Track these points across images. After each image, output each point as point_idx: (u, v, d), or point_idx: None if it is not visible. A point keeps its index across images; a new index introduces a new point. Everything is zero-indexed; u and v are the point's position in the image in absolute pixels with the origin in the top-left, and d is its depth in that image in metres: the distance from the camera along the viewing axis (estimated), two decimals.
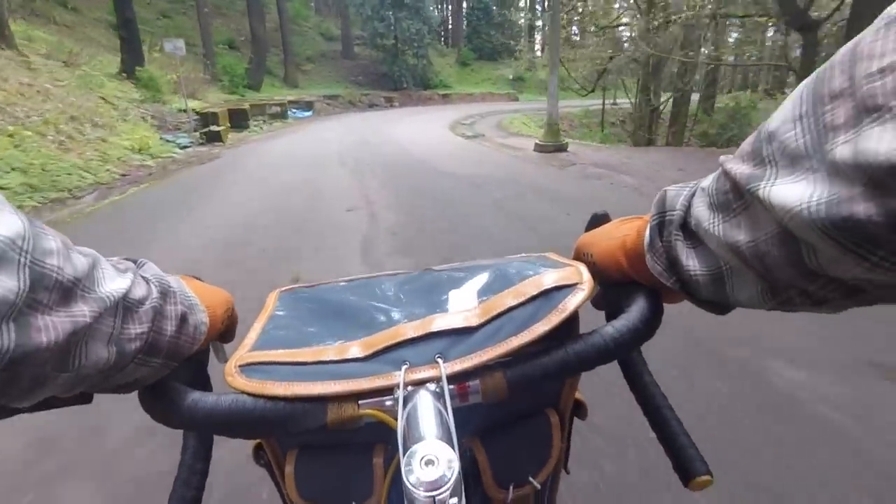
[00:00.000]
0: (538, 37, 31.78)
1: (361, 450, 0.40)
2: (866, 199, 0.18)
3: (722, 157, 0.28)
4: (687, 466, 0.37)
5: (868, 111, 0.18)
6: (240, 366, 0.36)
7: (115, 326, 0.29)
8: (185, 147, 8.84)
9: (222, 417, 0.33)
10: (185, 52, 9.46)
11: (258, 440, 0.42)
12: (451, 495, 0.28)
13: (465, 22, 31.77)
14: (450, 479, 0.28)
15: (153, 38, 14.25)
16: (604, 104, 18.26)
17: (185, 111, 9.88)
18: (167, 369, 0.35)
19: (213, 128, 9.76)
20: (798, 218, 0.21)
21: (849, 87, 0.20)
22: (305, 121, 14.34)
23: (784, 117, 0.23)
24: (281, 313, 0.44)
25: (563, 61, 17.14)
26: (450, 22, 35.13)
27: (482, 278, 0.43)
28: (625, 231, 0.40)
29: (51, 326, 0.24)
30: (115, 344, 0.29)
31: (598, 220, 0.47)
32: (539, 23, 30.12)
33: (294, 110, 15.68)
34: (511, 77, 28.41)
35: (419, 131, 11.55)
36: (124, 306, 0.30)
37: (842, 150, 0.19)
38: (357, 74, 23.82)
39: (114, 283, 0.29)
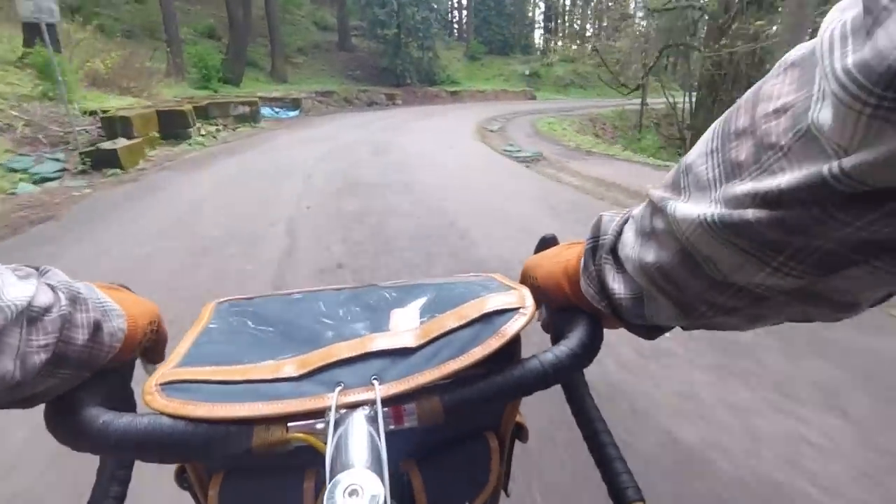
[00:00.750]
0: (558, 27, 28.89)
1: (292, 474, 0.38)
2: (759, 212, 0.20)
3: (649, 185, 0.30)
4: (620, 492, 0.36)
5: (765, 149, 0.20)
6: (161, 384, 0.34)
7: (20, 338, 0.28)
8: (47, 180, 5.06)
9: (136, 440, 0.31)
10: (60, 18, 6.06)
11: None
12: None
13: (474, 12, 28.87)
14: None
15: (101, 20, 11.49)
16: (644, 103, 15.63)
17: (90, 114, 6.68)
18: (78, 380, 0.33)
19: (106, 145, 5.80)
20: (700, 228, 0.23)
21: (750, 126, 0.22)
22: (285, 125, 11.36)
23: (699, 151, 0.25)
24: (214, 326, 0.42)
25: (599, 52, 14.85)
26: (458, 12, 32.30)
27: (425, 298, 0.43)
28: (567, 256, 0.40)
29: None
30: (19, 357, 0.27)
31: (545, 244, 0.47)
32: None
33: (276, 109, 12.87)
34: (527, 72, 25.64)
35: (440, 147, 7.92)
36: (28, 316, 0.28)
37: (742, 187, 0.21)
38: (354, 68, 21.01)
39: (16, 290, 0.28)
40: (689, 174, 0.25)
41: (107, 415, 0.32)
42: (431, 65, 21.79)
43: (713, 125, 0.25)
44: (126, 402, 0.39)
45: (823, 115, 0.18)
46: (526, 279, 0.46)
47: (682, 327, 0.32)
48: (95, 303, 0.34)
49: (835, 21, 0.18)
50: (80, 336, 0.32)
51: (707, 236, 0.23)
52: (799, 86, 0.20)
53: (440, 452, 0.41)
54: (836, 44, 0.17)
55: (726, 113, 0.24)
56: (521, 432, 0.46)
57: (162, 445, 0.31)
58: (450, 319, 0.38)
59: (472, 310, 0.38)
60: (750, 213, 0.21)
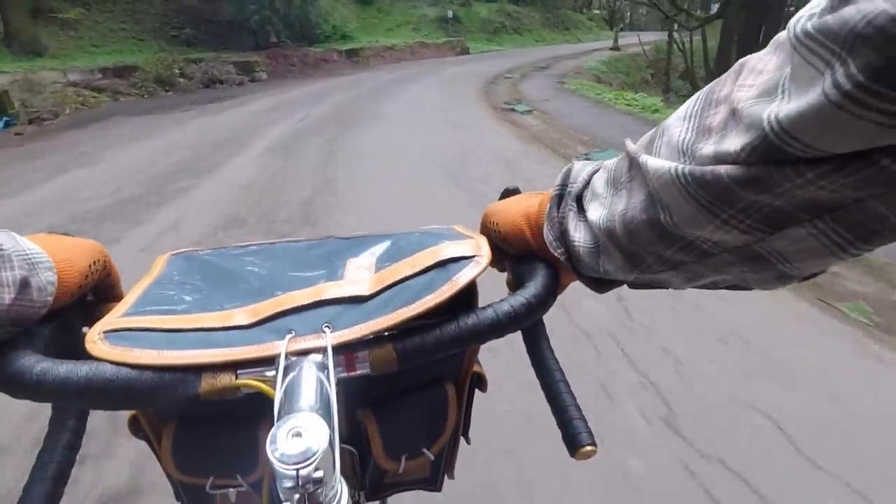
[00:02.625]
0: None
1: (246, 423, 0.38)
2: (728, 167, 0.21)
3: (626, 140, 0.31)
4: (574, 437, 0.36)
5: (731, 114, 0.22)
6: (105, 332, 0.33)
7: None
8: None
9: (77, 388, 0.30)
10: None
11: (134, 412, 0.39)
12: (317, 468, 0.26)
13: None
14: (316, 451, 0.26)
15: None
16: (671, 41, 10.34)
17: None
18: (10, 335, 0.32)
19: None
20: (665, 177, 0.24)
21: (728, 95, 0.23)
22: None
23: (678, 115, 0.26)
24: (165, 277, 0.41)
25: None
26: None
27: (381, 247, 0.43)
28: (530, 202, 0.40)
29: None
30: None
31: (508, 194, 0.47)
32: None
33: None
34: (449, 15, 18.76)
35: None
36: None
37: (708, 147, 0.23)
38: (181, 24, 12.76)
39: None
40: (664, 136, 0.27)
41: (44, 363, 0.31)
42: (308, 14, 13.84)
43: (697, 92, 0.26)
44: (75, 348, 0.35)
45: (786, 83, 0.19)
46: (486, 225, 0.45)
47: (628, 284, 0.33)
48: (20, 257, 0.31)
49: (805, 9, 0.19)
50: (6, 295, 0.30)
51: (671, 186, 0.24)
52: (781, 64, 0.21)
53: (396, 400, 0.42)
54: (802, 17, 0.18)
55: (713, 81, 0.25)
56: (480, 382, 0.47)
57: (104, 392, 0.31)
58: (404, 267, 0.38)
59: (426, 258, 0.38)
60: (720, 169, 0.21)
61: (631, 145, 0.30)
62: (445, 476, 0.53)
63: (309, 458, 0.26)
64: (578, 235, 0.33)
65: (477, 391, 0.48)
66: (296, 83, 10.44)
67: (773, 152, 0.19)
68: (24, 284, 0.31)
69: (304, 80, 11.13)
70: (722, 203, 0.22)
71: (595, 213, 0.32)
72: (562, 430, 0.37)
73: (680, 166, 0.23)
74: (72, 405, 0.35)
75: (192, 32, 12.61)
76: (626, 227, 0.28)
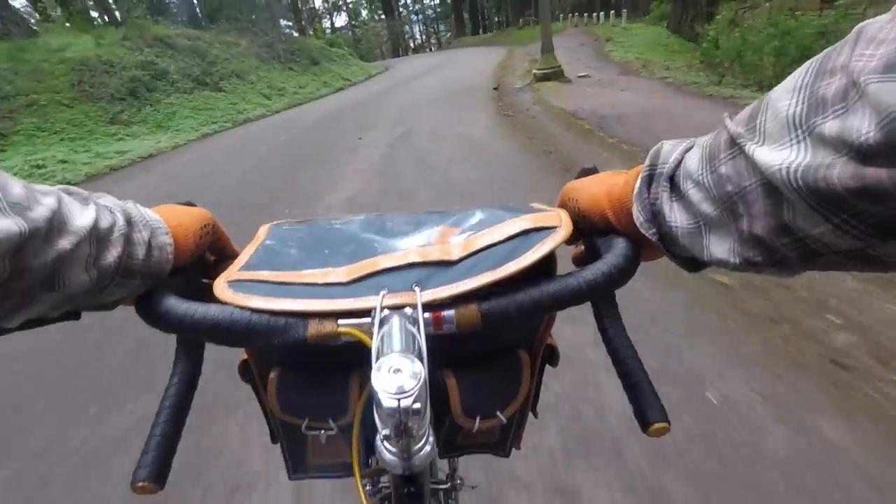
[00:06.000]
0: None
1: (339, 372, 0.43)
2: (843, 167, 0.20)
3: (726, 114, 0.29)
4: (646, 413, 0.36)
5: (853, 86, 0.20)
6: (228, 281, 0.38)
7: (90, 254, 0.31)
8: None
9: (210, 325, 0.35)
10: None
11: (244, 358, 0.45)
12: (415, 401, 0.29)
13: None
14: (415, 386, 0.29)
15: None
16: None
17: None
18: (145, 288, 0.37)
19: None
20: (775, 177, 0.23)
21: (846, 65, 0.21)
22: None
23: (785, 87, 0.24)
24: (270, 243, 0.44)
25: None
26: None
27: (467, 218, 0.45)
28: (613, 181, 0.40)
29: (39, 256, 0.28)
30: (95, 268, 0.32)
31: (586, 173, 0.47)
32: None
33: None
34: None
35: None
36: (97, 236, 0.32)
37: (830, 125, 0.21)
38: None
39: (82, 216, 0.31)
40: (769, 110, 0.25)
41: (185, 304, 0.36)
42: None
43: (807, 63, 0.24)
44: (196, 296, 0.39)
45: None
46: (565, 202, 0.45)
47: (731, 267, 0.30)
48: (144, 222, 0.37)
49: None
50: (139, 252, 0.35)
51: (782, 186, 0.23)
52: None
53: (475, 363, 0.45)
54: None
55: (826, 49, 0.23)
56: (552, 356, 0.49)
57: (230, 330, 0.35)
58: (489, 236, 0.39)
59: (511, 227, 0.39)
60: (833, 176, 0.20)
61: (729, 122, 0.28)
62: (513, 448, 0.57)
63: (409, 391, 0.29)
64: (674, 216, 0.32)
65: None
66: None
67: None
68: (149, 245, 0.36)
69: None
70: (834, 206, 0.21)
71: (697, 193, 0.30)
72: (633, 405, 0.37)
73: (791, 169, 0.22)
74: (202, 340, 0.39)
75: None
76: (747, 206, 0.26)
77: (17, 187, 0.27)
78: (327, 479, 0.54)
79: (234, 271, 0.39)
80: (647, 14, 15.46)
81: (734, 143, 0.27)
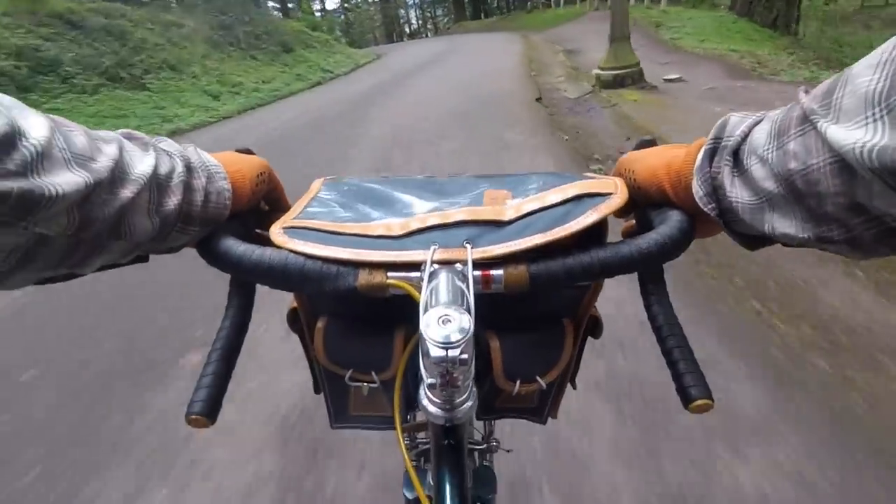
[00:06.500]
0: None
1: (385, 325, 0.43)
2: None
3: (801, 88, 0.28)
4: (688, 389, 0.36)
5: None
6: (283, 227, 0.39)
7: (151, 201, 0.32)
8: None
9: (265, 268, 0.36)
10: None
11: (294, 307, 0.46)
12: (462, 352, 0.29)
13: None
14: (463, 337, 0.29)
15: None
16: None
17: None
18: (205, 233, 0.38)
19: None
20: (849, 155, 0.22)
21: None
22: None
23: (868, 62, 0.23)
24: (324, 195, 0.46)
25: None
26: None
27: (520, 183, 0.44)
28: (673, 153, 0.39)
29: (105, 205, 0.28)
30: (157, 215, 0.33)
31: (645, 144, 0.47)
32: None
33: None
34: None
35: None
36: (157, 183, 0.32)
37: None
38: None
39: (142, 163, 0.32)
40: (848, 86, 0.23)
41: (243, 246, 0.37)
42: None
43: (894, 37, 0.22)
44: (251, 241, 0.40)
45: None
46: (621, 173, 0.44)
47: (799, 243, 0.29)
48: (203, 167, 0.37)
49: None
50: (198, 198, 0.36)
51: (857, 165, 0.22)
52: None
53: (519, 326, 0.45)
54: None
55: None
56: (596, 327, 0.48)
57: (285, 274, 0.36)
58: (542, 199, 0.39)
59: (564, 192, 0.39)
60: None
61: (804, 97, 0.27)
62: (549, 416, 0.57)
63: (457, 341, 0.29)
64: (736, 192, 0.31)
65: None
66: None
67: None
68: (207, 191, 0.37)
69: None
70: None
71: (760, 169, 0.29)
72: (676, 382, 0.36)
73: (866, 148, 0.21)
74: (257, 282, 0.39)
75: None
76: (811, 186, 0.26)
77: (80, 137, 0.27)
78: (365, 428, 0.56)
79: (288, 219, 0.40)
80: None
81: (806, 119, 0.26)
